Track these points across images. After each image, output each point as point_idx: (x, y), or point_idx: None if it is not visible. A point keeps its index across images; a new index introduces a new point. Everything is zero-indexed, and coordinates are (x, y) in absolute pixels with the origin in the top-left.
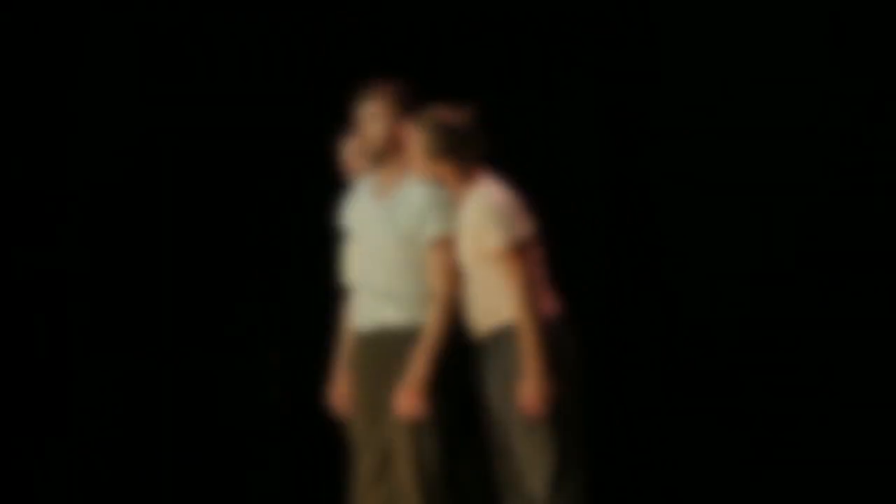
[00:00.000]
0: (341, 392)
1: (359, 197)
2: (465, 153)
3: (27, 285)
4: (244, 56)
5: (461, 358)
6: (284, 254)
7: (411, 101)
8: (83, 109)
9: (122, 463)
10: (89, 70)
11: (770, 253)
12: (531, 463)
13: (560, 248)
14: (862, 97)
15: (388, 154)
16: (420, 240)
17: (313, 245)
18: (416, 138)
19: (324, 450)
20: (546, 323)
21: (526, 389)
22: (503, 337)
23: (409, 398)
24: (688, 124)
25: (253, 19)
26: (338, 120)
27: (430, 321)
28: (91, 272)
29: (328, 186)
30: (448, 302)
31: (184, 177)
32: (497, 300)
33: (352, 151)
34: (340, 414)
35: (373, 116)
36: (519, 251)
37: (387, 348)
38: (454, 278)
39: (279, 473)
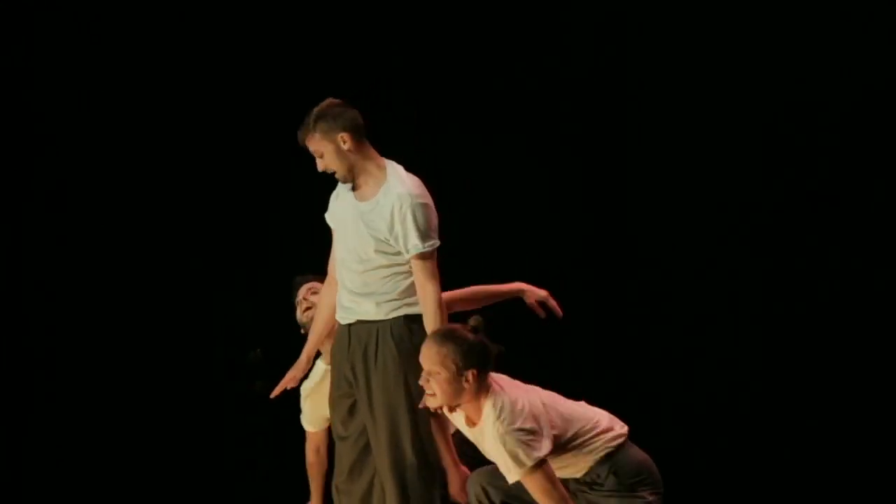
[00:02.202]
0: (294, 377)
1: (342, 195)
2: (486, 366)
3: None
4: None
5: None
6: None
7: (349, 121)
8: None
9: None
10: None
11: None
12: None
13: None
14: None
15: (355, 172)
16: (392, 247)
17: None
18: (443, 366)
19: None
20: None
21: None
22: None
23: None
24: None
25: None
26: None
27: (429, 324)
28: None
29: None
30: (439, 301)
31: (176, 174)
32: None
33: (304, 294)
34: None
35: (319, 154)
36: (539, 469)
37: (365, 340)
38: (438, 280)
39: (267, 469)
